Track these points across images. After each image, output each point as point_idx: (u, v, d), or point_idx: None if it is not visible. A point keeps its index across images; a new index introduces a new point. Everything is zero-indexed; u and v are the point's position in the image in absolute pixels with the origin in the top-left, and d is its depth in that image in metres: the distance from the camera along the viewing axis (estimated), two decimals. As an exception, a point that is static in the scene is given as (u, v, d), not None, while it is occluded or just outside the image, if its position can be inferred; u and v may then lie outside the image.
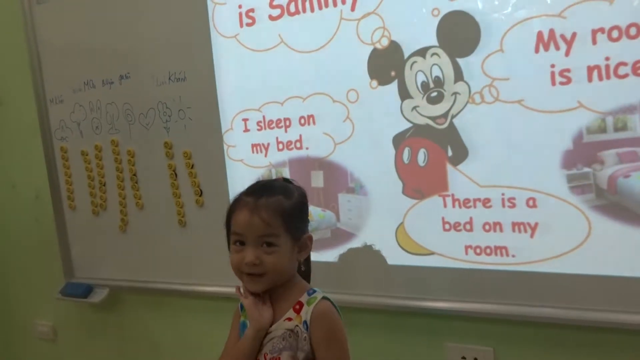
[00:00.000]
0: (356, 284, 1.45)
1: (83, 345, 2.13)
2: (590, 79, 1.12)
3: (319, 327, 1.04)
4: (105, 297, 1.93)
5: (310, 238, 1.11)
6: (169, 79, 1.67)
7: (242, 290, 1.12)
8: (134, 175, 1.81)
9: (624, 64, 1.09)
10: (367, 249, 1.42)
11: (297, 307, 1.06)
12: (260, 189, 1.08)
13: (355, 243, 1.43)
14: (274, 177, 1.53)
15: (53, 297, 2.03)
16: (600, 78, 1.11)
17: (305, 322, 1.04)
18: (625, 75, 1.09)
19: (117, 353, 2.05)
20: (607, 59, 1.10)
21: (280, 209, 1.04)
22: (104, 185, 1.88)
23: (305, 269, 1.18)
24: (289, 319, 1.05)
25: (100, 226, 1.91)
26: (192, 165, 1.68)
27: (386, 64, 1.33)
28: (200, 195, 1.68)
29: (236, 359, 1.08)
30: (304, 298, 1.07)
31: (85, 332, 2.11)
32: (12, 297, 2.31)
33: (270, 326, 1.06)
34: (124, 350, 2.03)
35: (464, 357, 1.38)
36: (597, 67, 1.11)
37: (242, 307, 1.14)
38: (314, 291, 1.09)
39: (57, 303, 2.07)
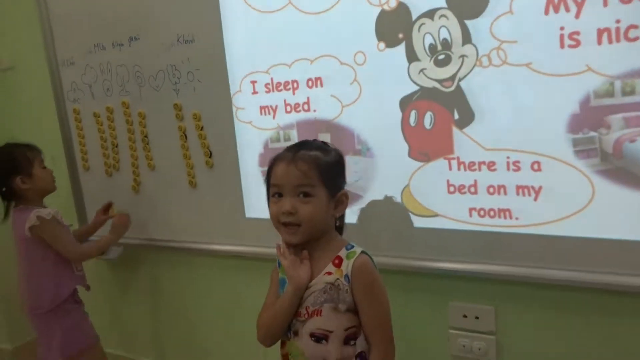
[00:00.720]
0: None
1: (100, 298, 2.21)
2: (599, 42, 1.11)
3: (360, 279, 1.07)
4: (121, 254, 2.00)
5: (346, 195, 1.13)
6: (178, 40, 1.68)
7: (282, 249, 1.14)
8: (145, 136, 1.84)
9: (635, 26, 1.07)
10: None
11: (337, 261, 1.09)
12: (299, 145, 1.13)
13: (362, 204, 1.46)
14: (281, 139, 1.55)
15: (70, 254, 2.10)
16: (610, 41, 1.10)
17: (346, 275, 1.07)
18: (636, 39, 1.08)
19: (132, 305, 2.14)
20: (617, 21, 1.08)
21: (316, 162, 1.07)
22: (117, 147, 1.92)
23: (339, 225, 1.20)
24: (329, 273, 1.08)
25: (114, 186, 1.95)
26: (202, 127, 1.70)
27: (394, 25, 1.32)
28: (209, 157, 1.71)
29: (276, 315, 1.12)
30: (342, 253, 1.10)
31: (102, 287, 2.19)
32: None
33: (310, 281, 1.09)
34: (138, 303, 2.12)
35: (465, 316, 1.42)
36: (607, 29, 1.10)
37: (279, 263, 1.18)
38: (352, 246, 1.12)
39: (74, 260, 2.14)
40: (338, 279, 1.07)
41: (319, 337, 1.07)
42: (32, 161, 1.67)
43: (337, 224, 1.19)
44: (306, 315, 1.09)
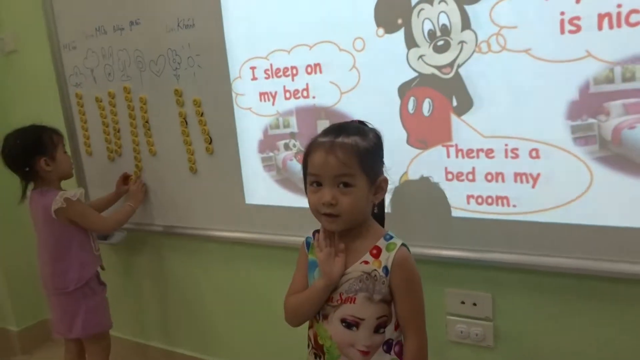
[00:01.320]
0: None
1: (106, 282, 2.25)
2: (600, 27, 1.09)
3: (401, 274, 1.05)
4: (123, 239, 2.02)
5: (386, 180, 1.10)
6: (178, 25, 1.67)
7: (319, 239, 1.12)
8: (147, 122, 1.84)
9: (636, 11, 1.05)
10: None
11: (375, 251, 1.07)
12: (336, 130, 1.07)
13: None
14: (281, 126, 1.55)
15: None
16: (611, 26, 1.08)
17: (385, 267, 1.05)
18: (637, 23, 1.06)
19: (134, 291, 2.17)
20: (619, 6, 1.07)
21: (356, 149, 1.03)
22: (119, 132, 1.93)
23: (378, 212, 1.18)
24: (366, 262, 1.07)
25: (116, 171, 1.97)
26: (202, 113, 1.70)
27: (393, 11, 1.30)
28: (210, 143, 1.71)
29: (303, 303, 1.12)
30: (381, 243, 1.08)
31: (107, 270, 2.21)
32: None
33: (344, 270, 1.08)
34: (141, 287, 2.15)
35: (463, 302, 1.42)
36: (608, 14, 1.08)
37: (308, 245, 1.17)
38: (391, 237, 1.09)
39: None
40: (375, 269, 1.06)
41: (350, 324, 1.07)
42: (57, 145, 1.71)
43: (376, 211, 1.16)
44: (339, 301, 1.08)
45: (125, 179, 1.95)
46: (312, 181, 1.06)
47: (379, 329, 1.07)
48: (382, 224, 1.18)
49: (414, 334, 1.08)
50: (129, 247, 2.09)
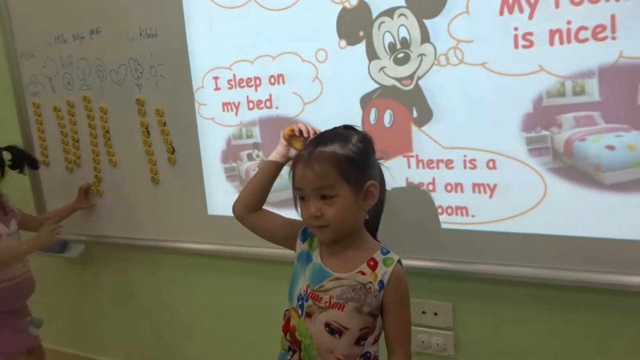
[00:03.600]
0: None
1: (60, 298, 2.17)
2: (551, 43, 1.14)
3: (395, 290, 1.05)
4: (81, 252, 1.97)
5: (375, 185, 1.06)
6: (140, 34, 1.65)
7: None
8: (107, 132, 1.81)
9: (585, 28, 1.10)
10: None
11: (372, 263, 1.06)
12: (316, 141, 1.06)
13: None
14: (244, 136, 1.55)
15: (30, 252, 2.06)
16: (562, 42, 1.13)
17: (381, 281, 1.05)
18: (586, 40, 1.11)
19: (93, 306, 2.10)
20: (568, 22, 1.11)
21: (333, 159, 1.01)
22: (77, 142, 1.88)
23: (373, 220, 1.14)
24: (362, 273, 1.05)
25: (75, 182, 1.91)
26: (164, 123, 1.68)
27: (355, 23, 1.32)
28: (172, 153, 1.69)
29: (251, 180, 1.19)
30: (378, 256, 1.07)
31: (62, 286, 2.15)
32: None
33: (341, 274, 1.07)
34: (99, 302, 2.08)
35: (424, 312, 1.44)
36: (559, 30, 1.12)
37: (304, 237, 1.16)
38: (388, 251, 1.09)
39: (34, 258, 2.08)
40: (371, 282, 1.05)
41: (334, 330, 1.06)
42: None
43: (367, 217, 1.10)
44: (327, 304, 1.06)
45: (86, 190, 1.89)
46: (299, 195, 1.06)
47: (360, 340, 1.06)
48: (374, 234, 1.16)
49: (401, 351, 1.08)
50: (87, 261, 2.03)
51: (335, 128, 1.10)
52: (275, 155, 1.15)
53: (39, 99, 1.94)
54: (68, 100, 1.86)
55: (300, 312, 1.10)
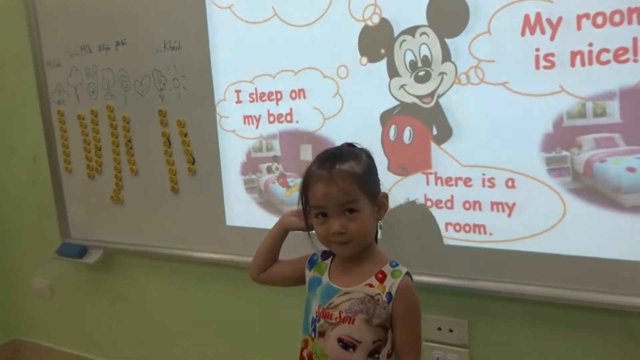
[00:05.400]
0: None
1: (78, 302, 2.21)
2: (573, 64, 1.14)
3: (403, 302, 1.06)
4: (100, 258, 1.99)
5: (386, 196, 1.13)
6: (164, 47, 1.69)
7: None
8: (129, 141, 1.84)
9: (607, 50, 1.11)
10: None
11: (380, 276, 1.08)
12: (331, 158, 1.08)
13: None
14: (264, 149, 1.57)
15: (50, 256, 2.10)
16: (583, 64, 1.13)
17: (389, 293, 1.06)
18: (607, 62, 1.11)
19: (109, 311, 2.13)
20: (590, 44, 1.12)
21: (354, 175, 1.05)
22: (100, 150, 1.92)
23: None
24: (370, 285, 1.07)
25: (96, 189, 1.95)
26: (186, 134, 1.71)
27: (376, 41, 1.34)
28: (192, 164, 1.72)
29: (260, 246, 1.25)
30: (387, 269, 1.09)
31: (80, 290, 2.18)
32: (12, 256, 2.38)
33: (350, 288, 1.09)
34: (115, 309, 2.11)
35: (439, 328, 1.44)
36: (580, 52, 1.13)
37: (312, 262, 1.19)
38: (397, 264, 1.11)
39: (54, 262, 2.13)
40: (379, 294, 1.06)
41: (347, 344, 1.07)
42: None
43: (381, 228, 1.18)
44: (337, 319, 1.08)
45: None
46: (316, 213, 1.08)
47: (373, 353, 1.07)
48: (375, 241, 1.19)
49: None
50: (105, 267, 2.06)
51: (339, 146, 1.15)
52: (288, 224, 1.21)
53: (64, 107, 1.98)
54: (92, 109, 1.90)
55: (314, 334, 1.12)
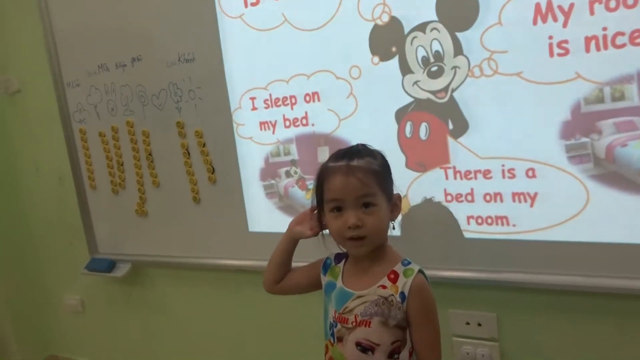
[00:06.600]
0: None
1: (109, 316, 2.25)
2: (587, 50, 1.13)
3: (418, 301, 1.05)
4: (128, 271, 2.03)
5: (400, 197, 1.13)
6: (179, 60, 1.72)
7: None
8: (150, 154, 1.87)
9: (622, 33, 1.09)
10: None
11: (392, 276, 1.07)
12: (348, 154, 1.08)
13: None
14: (281, 154, 1.58)
15: (79, 272, 2.14)
16: (598, 48, 1.12)
17: (402, 292, 1.05)
18: (623, 45, 1.10)
19: (140, 323, 2.16)
20: (604, 29, 1.11)
21: (372, 169, 1.05)
22: (122, 165, 1.96)
23: None
24: (383, 287, 1.06)
25: (120, 204, 1.99)
26: (204, 144, 1.73)
27: (387, 39, 1.35)
28: (212, 173, 1.74)
29: (271, 256, 1.25)
30: (399, 268, 1.08)
31: (111, 304, 2.22)
32: (43, 275, 2.44)
33: (363, 290, 1.08)
34: (146, 320, 2.14)
35: (468, 323, 1.43)
36: (595, 37, 1.12)
37: (326, 266, 1.19)
38: (409, 262, 1.10)
39: (83, 278, 2.17)
40: (392, 294, 1.06)
41: (366, 348, 1.06)
42: None
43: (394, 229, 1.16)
44: (354, 323, 1.08)
45: None
46: (332, 207, 1.07)
47: (393, 354, 1.07)
48: None
49: None
50: (133, 280, 2.09)
51: (354, 146, 1.15)
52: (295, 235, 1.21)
53: (85, 125, 2.03)
54: (112, 126, 1.94)
55: (332, 340, 1.12)
